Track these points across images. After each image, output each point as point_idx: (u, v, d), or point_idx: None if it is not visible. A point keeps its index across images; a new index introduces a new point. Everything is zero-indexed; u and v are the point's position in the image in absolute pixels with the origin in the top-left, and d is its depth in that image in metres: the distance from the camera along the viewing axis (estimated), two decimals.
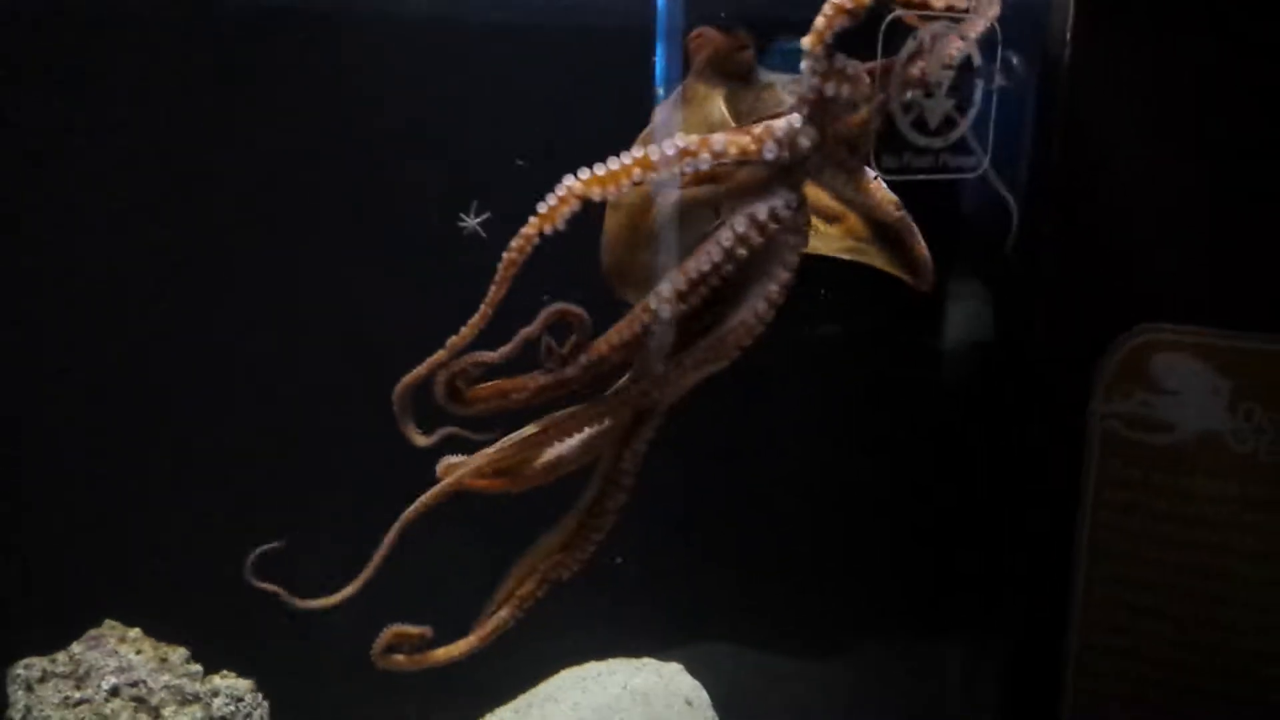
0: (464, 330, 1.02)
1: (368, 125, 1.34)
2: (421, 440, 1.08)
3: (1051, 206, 1.26)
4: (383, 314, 1.37)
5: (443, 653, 1.12)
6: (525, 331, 1.03)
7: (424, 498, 1.09)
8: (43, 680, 1.28)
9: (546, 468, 1.12)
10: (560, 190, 0.99)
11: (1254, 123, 1.19)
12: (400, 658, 1.12)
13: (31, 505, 1.37)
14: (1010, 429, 1.36)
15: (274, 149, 1.33)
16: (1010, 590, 1.38)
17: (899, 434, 1.50)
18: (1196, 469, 1.24)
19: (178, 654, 1.34)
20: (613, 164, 1.00)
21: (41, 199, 1.30)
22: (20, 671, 1.28)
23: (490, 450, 1.07)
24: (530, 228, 1.00)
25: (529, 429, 1.07)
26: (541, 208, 0.99)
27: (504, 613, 1.12)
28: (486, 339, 1.05)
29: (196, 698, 1.31)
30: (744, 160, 1.02)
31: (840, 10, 1.00)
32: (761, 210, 1.03)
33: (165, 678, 1.31)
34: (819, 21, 1.00)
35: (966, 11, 1.06)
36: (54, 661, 1.30)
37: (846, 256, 1.17)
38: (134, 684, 1.28)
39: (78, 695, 1.26)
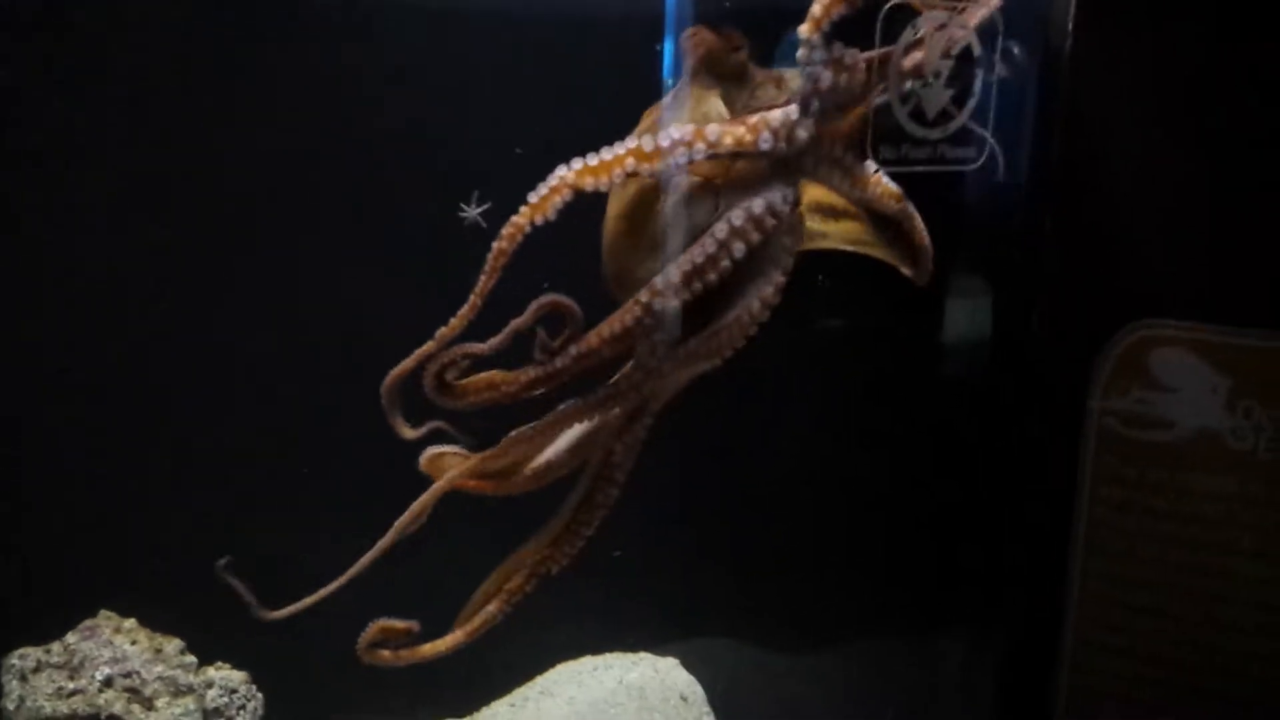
0: (453, 321, 1.02)
1: (365, 120, 1.33)
2: (410, 434, 1.08)
3: (1051, 200, 1.25)
4: (381, 309, 1.36)
5: (429, 648, 1.12)
6: (515, 323, 1.03)
7: (415, 506, 1.09)
8: (37, 670, 1.28)
9: (536, 473, 1.12)
10: (552, 180, 0.99)
11: (1255, 117, 1.18)
12: (386, 653, 1.12)
13: (30, 497, 1.37)
14: (1008, 425, 1.36)
15: (272, 146, 1.33)
16: (1007, 587, 1.37)
17: (896, 430, 1.49)
18: (1194, 466, 1.23)
19: (173, 645, 1.34)
20: (605, 154, 1.00)
21: (41, 199, 1.30)
22: (15, 661, 1.28)
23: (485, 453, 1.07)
24: (521, 217, 0.99)
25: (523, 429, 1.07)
26: (533, 197, 0.99)
27: (492, 607, 1.12)
28: (482, 332, 1.05)
29: (190, 689, 1.31)
30: (740, 152, 1.02)
31: None
32: (758, 204, 1.02)
33: (159, 669, 1.30)
34: (816, 9, 0.99)
35: (967, 0, 1.05)
36: (49, 652, 1.30)
37: (845, 248, 1.16)
38: (128, 675, 1.28)
39: (71, 686, 1.26)
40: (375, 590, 1.12)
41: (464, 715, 1.48)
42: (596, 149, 1.01)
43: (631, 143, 1.00)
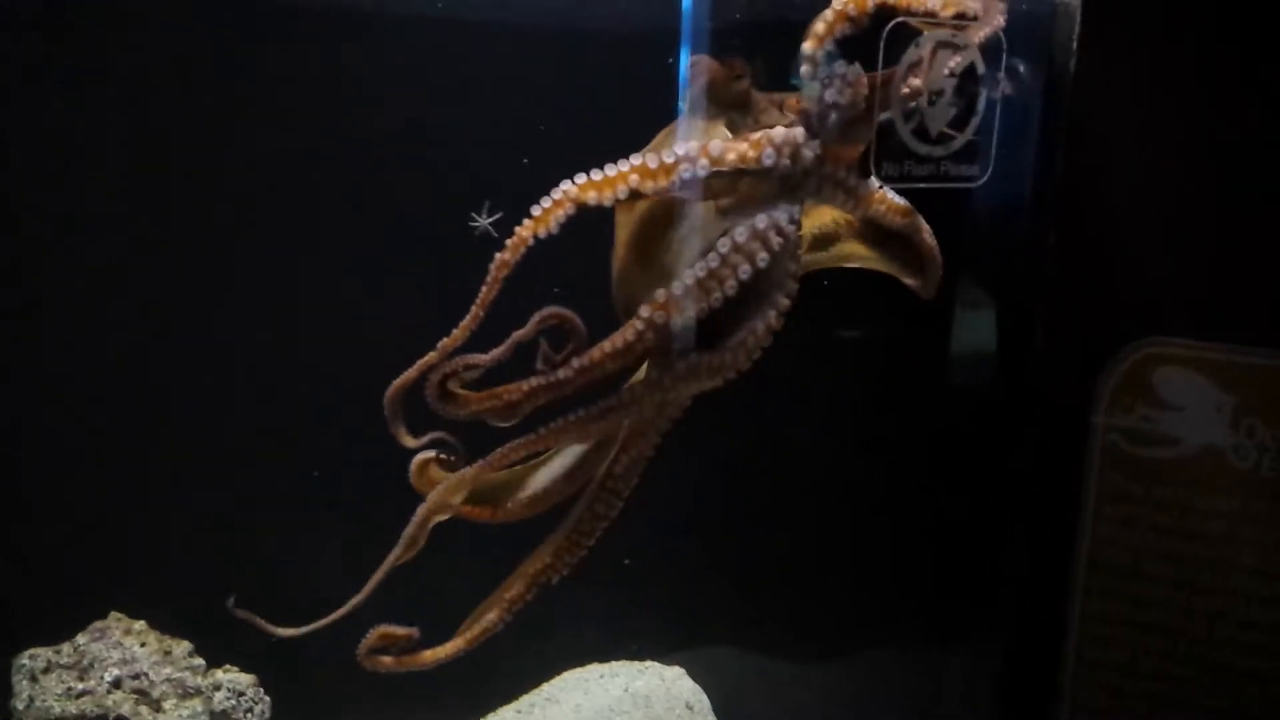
0: (455, 332, 1.02)
1: (369, 125, 1.34)
2: (412, 443, 1.09)
3: (1055, 217, 1.25)
4: (385, 314, 1.37)
5: (429, 655, 1.12)
6: (518, 334, 1.03)
7: (409, 529, 1.10)
8: (47, 671, 1.29)
9: (532, 500, 1.13)
10: (555, 194, 1.00)
11: (1260, 135, 1.18)
12: (386, 659, 1.12)
13: (41, 499, 1.38)
14: (1012, 441, 1.35)
15: (275, 149, 1.33)
16: (1009, 600, 1.37)
17: (901, 443, 1.49)
18: (1198, 484, 1.23)
19: (181, 647, 1.35)
20: (610, 170, 1.00)
21: (41, 199, 1.30)
22: (25, 662, 1.29)
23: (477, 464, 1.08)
24: (524, 229, 1.00)
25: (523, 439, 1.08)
26: (536, 210, 0.99)
27: (492, 616, 1.12)
28: (493, 343, 1.06)
29: (198, 691, 1.32)
30: (744, 169, 1.02)
31: (842, 16, 1.00)
32: (761, 220, 1.02)
33: (168, 670, 1.31)
34: (819, 26, 1.00)
35: (972, 19, 1.05)
36: (58, 652, 1.30)
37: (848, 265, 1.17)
38: (136, 676, 1.29)
39: (80, 687, 1.27)
40: (383, 596, 1.13)
41: None
42: (610, 160, 1.02)
43: (636, 160, 1.00)
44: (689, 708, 1.51)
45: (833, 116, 1.02)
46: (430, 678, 1.16)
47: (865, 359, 1.48)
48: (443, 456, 1.10)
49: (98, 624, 1.34)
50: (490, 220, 1.05)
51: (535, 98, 1.36)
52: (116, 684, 1.28)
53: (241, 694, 1.34)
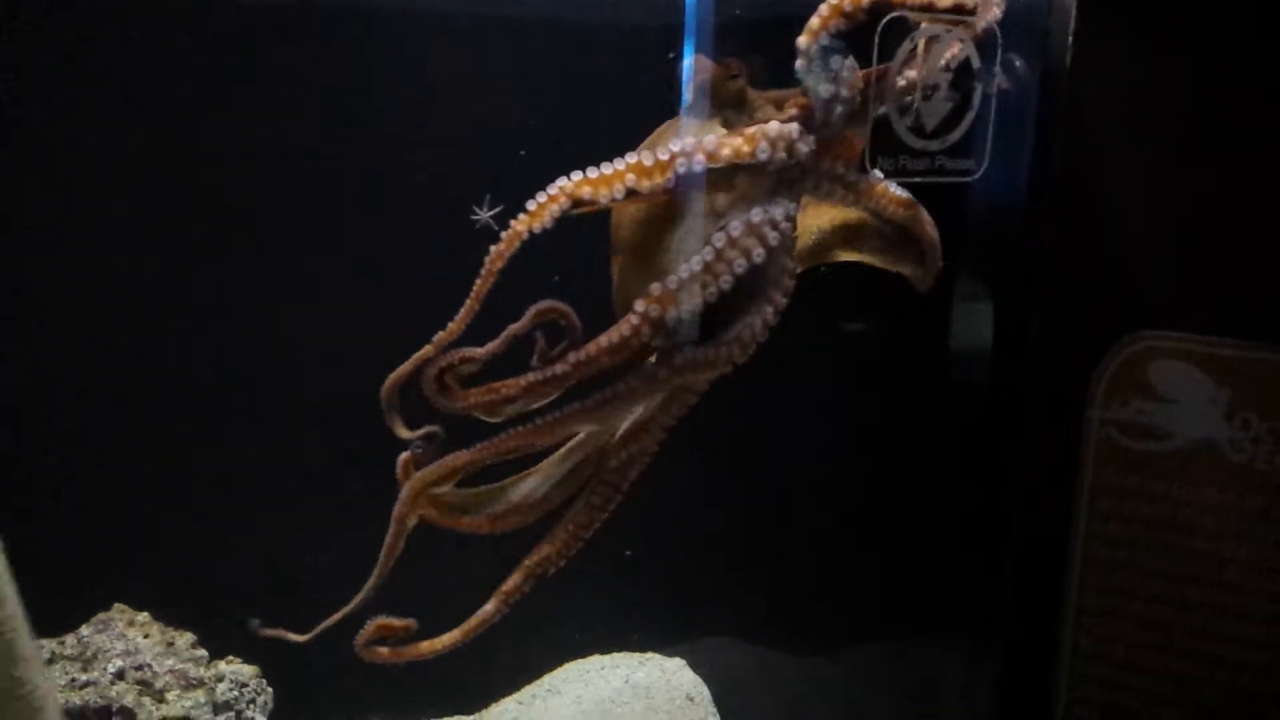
0: (451, 325, 1.03)
1: (364, 121, 1.34)
2: (408, 435, 1.09)
3: (1051, 211, 1.24)
4: (384, 308, 1.37)
5: (427, 646, 1.13)
6: (513, 327, 1.03)
7: (389, 539, 1.11)
8: (51, 661, 1.29)
9: (521, 509, 1.13)
10: (550, 189, 1.00)
11: (1255, 129, 1.17)
12: (384, 650, 1.13)
13: (46, 490, 1.38)
14: (1008, 435, 1.35)
15: (271, 143, 1.33)
16: (1006, 595, 1.37)
17: (898, 438, 1.49)
18: (1193, 478, 1.23)
19: (184, 639, 1.35)
20: (605, 168, 1.00)
21: (42, 199, 1.31)
22: None
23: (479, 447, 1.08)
24: (519, 224, 1.00)
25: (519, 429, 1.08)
26: (530, 205, 1.00)
27: (489, 607, 1.13)
28: (488, 338, 1.06)
29: (201, 682, 1.32)
30: (740, 165, 1.02)
31: (836, 10, 1.00)
32: (756, 214, 1.02)
33: (170, 662, 1.32)
34: (814, 21, 1.00)
35: (970, 12, 1.05)
36: (62, 644, 1.31)
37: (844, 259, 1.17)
38: (139, 667, 1.30)
39: (84, 677, 1.28)
40: (384, 587, 1.14)
41: (473, 712, 1.50)
42: (607, 155, 1.02)
43: (631, 157, 1.01)
44: (689, 699, 1.51)
45: (828, 111, 1.02)
46: (432, 669, 1.16)
47: (861, 353, 1.49)
48: (417, 451, 1.10)
49: (101, 615, 1.35)
50: (491, 213, 1.06)
51: (533, 92, 1.36)
52: (120, 675, 1.29)
53: (244, 685, 1.35)
